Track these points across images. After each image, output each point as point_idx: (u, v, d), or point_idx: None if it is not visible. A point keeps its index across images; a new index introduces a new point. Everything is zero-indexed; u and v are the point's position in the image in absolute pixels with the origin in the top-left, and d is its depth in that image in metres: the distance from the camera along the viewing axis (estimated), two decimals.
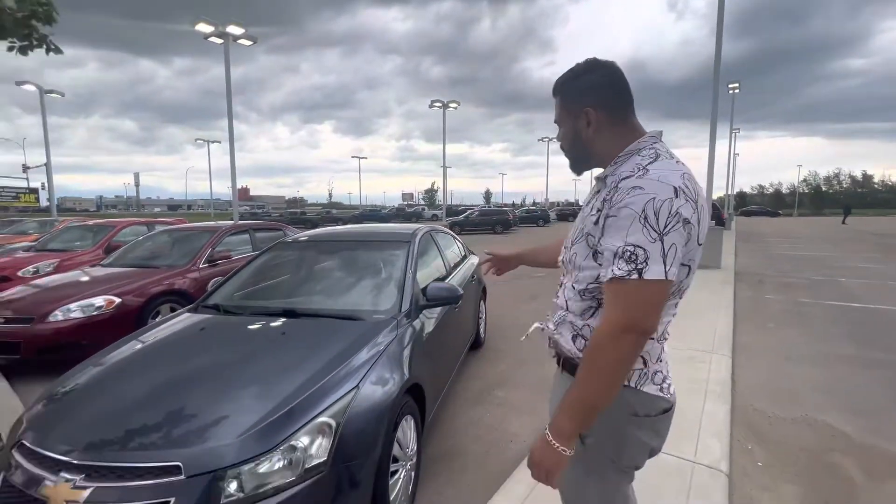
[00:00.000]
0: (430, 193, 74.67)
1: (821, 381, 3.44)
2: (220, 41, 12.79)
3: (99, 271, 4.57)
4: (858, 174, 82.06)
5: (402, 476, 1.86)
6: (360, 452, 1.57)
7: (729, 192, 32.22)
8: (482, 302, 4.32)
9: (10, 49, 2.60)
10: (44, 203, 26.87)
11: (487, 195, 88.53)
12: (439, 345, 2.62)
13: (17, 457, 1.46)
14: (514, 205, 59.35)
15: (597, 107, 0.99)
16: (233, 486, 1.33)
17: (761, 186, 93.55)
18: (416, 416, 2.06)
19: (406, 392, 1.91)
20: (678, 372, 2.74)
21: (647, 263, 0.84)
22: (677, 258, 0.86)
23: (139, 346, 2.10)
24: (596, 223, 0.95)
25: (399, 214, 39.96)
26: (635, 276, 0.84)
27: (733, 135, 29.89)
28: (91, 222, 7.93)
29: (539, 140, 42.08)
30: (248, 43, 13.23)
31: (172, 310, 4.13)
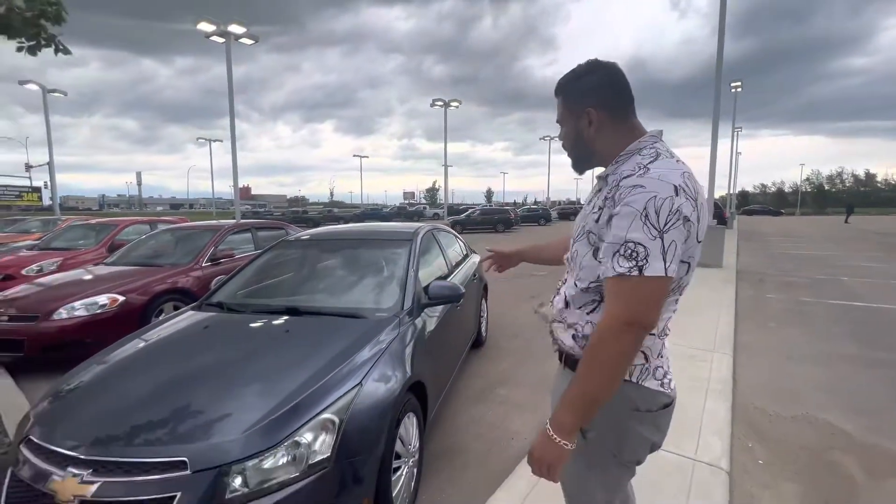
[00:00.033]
0: (432, 192, 74.65)
1: (822, 380, 3.44)
2: (221, 40, 12.80)
3: (102, 270, 4.60)
4: (861, 173, 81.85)
5: (404, 472, 1.88)
6: (364, 449, 1.58)
7: (731, 191, 32.17)
8: (484, 301, 4.33)
9: (20, 49, 2.61)
10: (46, 202, 26.97)
11: (489, 194, 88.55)
12: (441, 343, 2.63)
13: (25, 452, 1.48)
14: (515, 204, 59.30)
15: (598, 107, 1.01)
16: (237, 482, 1.34)
17: (764, 185, 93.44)
18: (419, 413, 2.07)
19: (408, 389, 1.92)
20: (679, 370, 2.75)
21: (647, 260, 0.85)
22: (677, 255, 0.87)
23: (144, 343, 2.12)
24: (597, 221, 0.97)
25: (400, 213, 39.96)
26: (636, 272, 0.86)
27: (736, 133, 29.80)
28: (94, 221, 7.97)
29: (541, 139, 42.06)
30: (249, 42, 13.24)
31: (176, 308, 4.15)
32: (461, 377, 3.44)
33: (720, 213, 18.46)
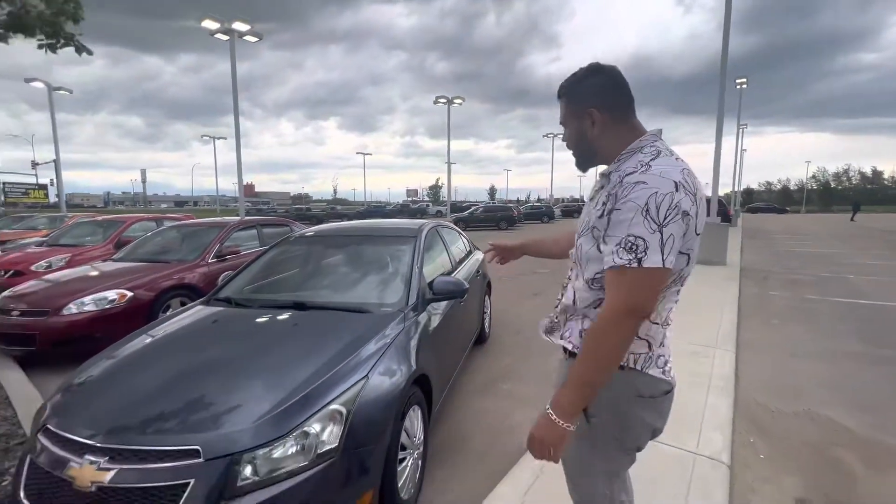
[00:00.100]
0: (435, 190, 74.57)
1: (826, 377, 3.45)
2: (226, 38, 12.84)
3: (110, 266, 4.66)
4: (868, 170, 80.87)
5: (409, 463, 1.92)
6: (370, 439, 1.62)
7: (736, 189, 31.92)
8: (487, 297, 4.36)
9: (40, 47, 2.65)
10: (52, 199, 27.21)
11: (492, 191, 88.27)
12: (445, 338, 2.67)
13: (43, 440, 1.53)
14: (518, 201, 59.09)
15: (600, 108, 1.06)
16: (248, 470, 1.38)
17: (769, 183, 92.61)
18: (423, 406, 2.11)
19: (413, 383, 1.96)
20: (681, 366, 2.76)
21: (646, 253, 0.90)
22: (675, 248, 0.93)
23: (155, 337, 2.17)
24: (601, 216, 1.01)
25: (403, 211, 39.98)
26: (635, 264, 0.91)
27: (741, 130, 29.59)
28: (101, 218, 8.05)
29: (544, 136, 41.86)
30: (253, 39, 13.26)
31: (182, 304, 4.21)
32: (465, 372, 3.48)
33: (724, 211, 18.35)
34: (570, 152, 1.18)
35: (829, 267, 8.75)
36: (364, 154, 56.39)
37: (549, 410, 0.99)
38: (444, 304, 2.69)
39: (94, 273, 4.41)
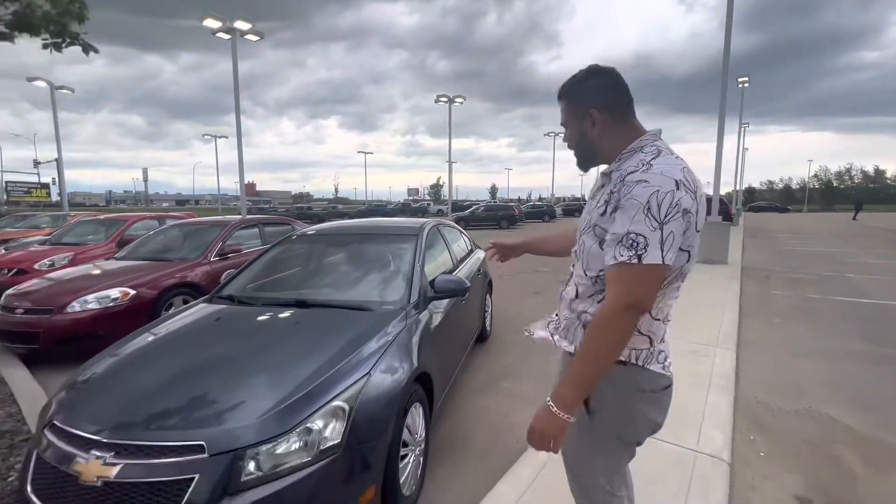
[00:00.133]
0: (436, 189, 74.53)
1: (827, 375, 3.45)
2: (227, 37, 12.84)
3: (113, 264, 4.68)
4: (870, 169, 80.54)
5: (411, 460, 1.93)
6: (372, 436, 1.63)
7: (737, 188, 31.85)
8: (488, 296, 4.37)
9: (45, 47, 2.66)
10: (55, 198, 27.29)
11: (493, 190, 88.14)
12: (446, 336, 2.68)
13: (49, 436, 1.55)
14: (519, 200, 59.02)
15: (600, 108, 1.08)
16: (252, 465, 1.40)
17: (771, 182, 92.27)
18: (425, 403, 2.12)
19: (415, 380, 1.97)
20: (681, 365, 2.77)
21: (646, 250, 0.92)
22: (675, 245, 0.94)
23: (159, 335, 2.18)
24: (602, 214, 1.03)
25: (404, 210, 39.99)
26: (635, 260, 0.93)
27: (742, 129, 29.49)
28: (103, 217, 8.08)
29: (545, 135, 41.80)
30: (255, 38, 13.27)
31: (185, 302, 4.23)
32: (466, 370, 3.49)
33: (726, 210, 18.31)
34: (572, 152, 1.19)
35: (832, 266, 8.73)
36: (365, 153, 56.35)
37: (550, 402, 1.01)
38: (445, 302, 2.70)
39: (97, 271, 4.44)
